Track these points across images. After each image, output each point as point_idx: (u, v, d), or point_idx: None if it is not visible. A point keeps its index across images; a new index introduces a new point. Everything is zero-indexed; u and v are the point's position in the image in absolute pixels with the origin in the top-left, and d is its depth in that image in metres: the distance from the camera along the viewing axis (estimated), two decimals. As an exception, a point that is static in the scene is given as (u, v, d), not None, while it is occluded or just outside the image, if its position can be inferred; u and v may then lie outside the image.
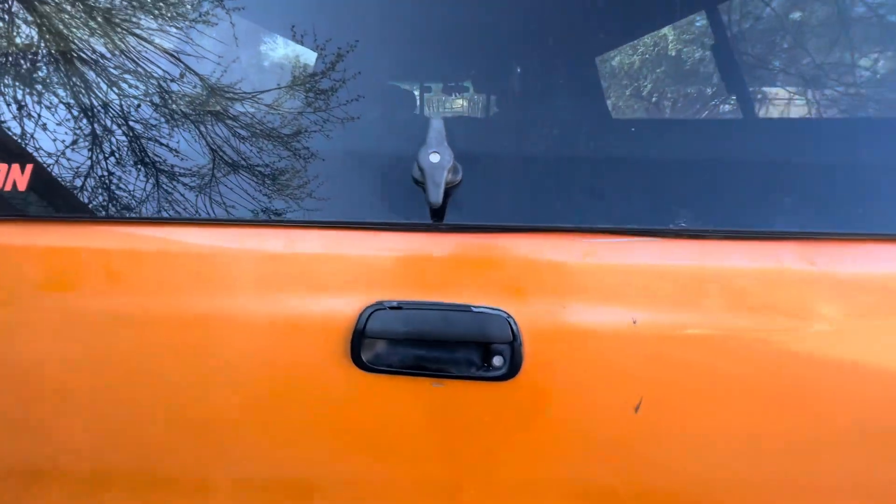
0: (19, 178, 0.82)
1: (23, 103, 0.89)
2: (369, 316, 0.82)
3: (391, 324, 0.82)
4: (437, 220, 0.84)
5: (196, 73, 0.92)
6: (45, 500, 0.98)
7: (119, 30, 0.94)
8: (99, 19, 0.94)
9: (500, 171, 0.85)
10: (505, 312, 0.83)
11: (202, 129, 0.89)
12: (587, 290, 0.84)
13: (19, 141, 0.85)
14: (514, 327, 0.83)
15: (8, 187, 0.83)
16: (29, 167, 0.83)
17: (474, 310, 0.83)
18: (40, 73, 0.92)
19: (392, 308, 0.83)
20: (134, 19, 0.94)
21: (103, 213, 0.85)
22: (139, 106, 0.91)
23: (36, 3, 0.95)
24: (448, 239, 0.85)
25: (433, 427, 0.88)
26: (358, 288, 0.85)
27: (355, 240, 0.86)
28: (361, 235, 0.86)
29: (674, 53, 1.15)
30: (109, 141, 0.88)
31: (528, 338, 0.84)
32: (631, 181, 0.85)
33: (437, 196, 0.74)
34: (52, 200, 0.84)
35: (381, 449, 0.90)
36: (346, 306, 0.84)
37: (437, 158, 0.74)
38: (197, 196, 0.85)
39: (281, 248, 0.85)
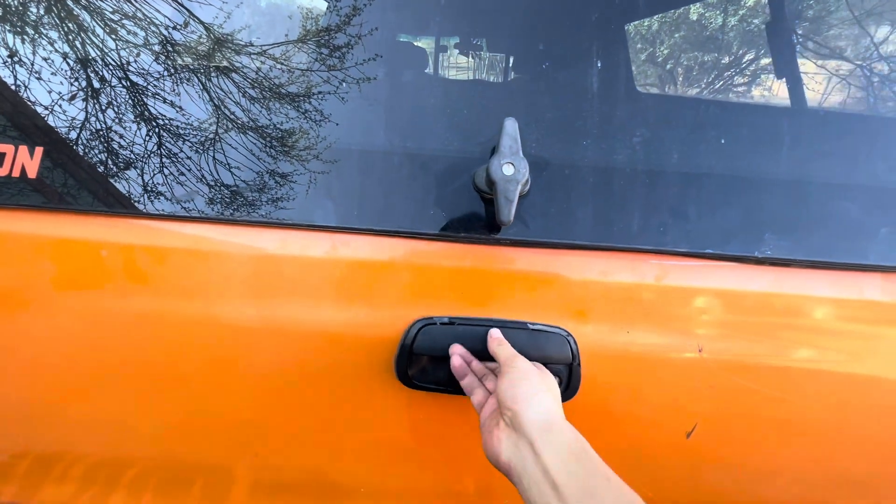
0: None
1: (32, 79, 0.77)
2: (419, 331, 0.76)
3: (441, 340, 0.76)
4: (498, 232, 0.76)
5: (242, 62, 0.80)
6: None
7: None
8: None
9: (571, 182, 0.76)
10: (565, 331, 0.77)
11: (246, 122, 0.78)
12: (654, 315, 0.78)
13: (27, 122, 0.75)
14: (573, 347, 0.77)
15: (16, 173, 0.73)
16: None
17: (531, 327, 0.77)
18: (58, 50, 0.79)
19: (444, 324, 0.77)
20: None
21: (124, 207, 0.76)
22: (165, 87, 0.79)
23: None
24: (508, 253, 0.78)
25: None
26: (407, 300, 0.78)
27: (406, 248, 0.78)
28: (413, 244, 0.78)
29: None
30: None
31: (586, 359, 0.79)
32: (715, 200, 0.77)
33: (508, 214, 0.65)
34: (68, 190, 0.74)
35: (422, 466, 0.87)
36: (394, 319, 0.78)
37: (510, 171, 0.65)
38: (234, 195, 0.76)
39: (323, 252, 0.78)
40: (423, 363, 0.79)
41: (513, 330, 0.76)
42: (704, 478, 0.85)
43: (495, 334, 0.74)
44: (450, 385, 0.78)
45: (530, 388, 0.64)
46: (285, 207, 0.77)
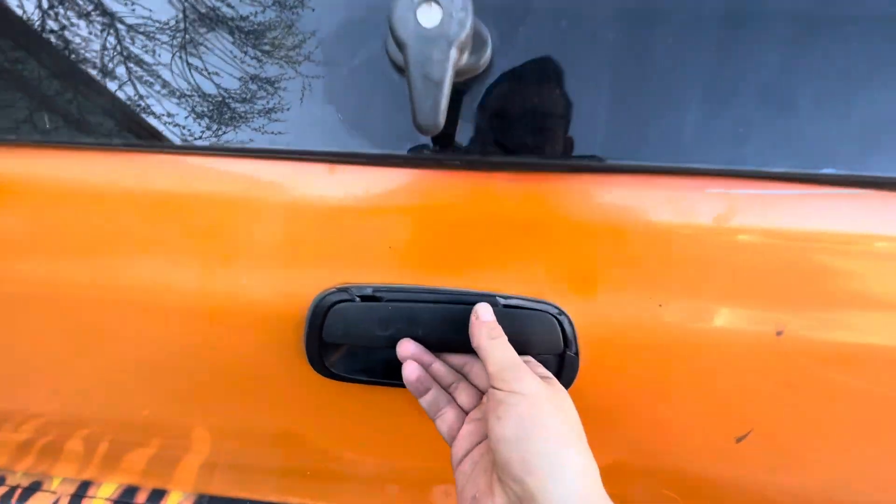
0: None
1: None
2: (328, 309, 0.49)
3: (363, 324, 0.49)
4: (443, 148, 0.44)
5: None
6: None
7: None
8: None
9: (569, 47, 0.42)
10: (555, 307, 0.49)
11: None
12: (708, 278, 0.48)
13: None
14: (567, 330, 0.49)
15: None
16: None
17: (503, 302, 0.49)
18: None
19: (365, 299, 0.49)
20: None
21: None
22: None
23: None
24: (462, 181, 0.47)
25: (431, 451, 0.61)
26: (307, 256, 0.50)
27: (298, 175, 0.48)
28: (308, 172, 0.48)
29: None
30: None
31: (588, 346, 0.51)
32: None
33: (429, 110, 0.33)
34: None
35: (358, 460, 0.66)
36: (294, 287, 0.51)
37: (431, 15, 0.31)
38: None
39: (172, 185, 0.49)
40: (344, 349, 0.54)
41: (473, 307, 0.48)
42: (764, 489, 0.60)
43: (484, 314, 0.45)
44: (389, 376, 0.53)
45: (551, 443, 0.37)
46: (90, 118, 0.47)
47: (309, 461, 0.72)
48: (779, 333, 0.48)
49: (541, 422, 0.37)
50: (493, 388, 0.40)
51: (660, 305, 0.49)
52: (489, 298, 0.48)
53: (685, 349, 0.51)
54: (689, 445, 0.58)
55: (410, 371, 0.46)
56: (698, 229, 0.46)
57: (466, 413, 0.47)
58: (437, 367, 0.49)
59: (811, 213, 0.45)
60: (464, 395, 0.48)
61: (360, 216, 0.48)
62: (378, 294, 0.49)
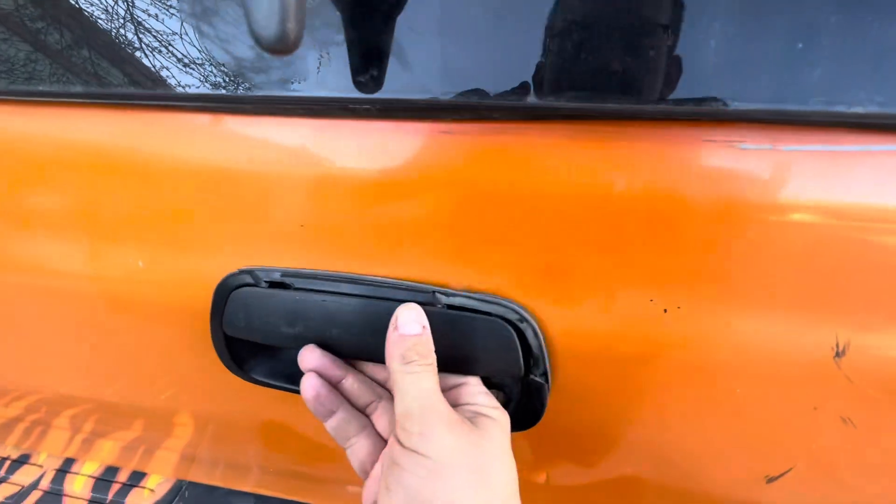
0: None
1: None
2: (230, 294, 0.39)
3: (270, 318, 0.39)
4: (367, 86, 0.31)
5: None
6: None
7: None
8: None
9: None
10: (515, 311, 0.36)
11: None
12: (734, 273, 0.33)
13: None
14: (532, 344, 0.37)
15: None
16: None
17: (445, 301, 0.37)
18: None
19: (272, 285, 0.39)
20: None
21: None
22: None
23: None
24: (405, 135, 0.34)
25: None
26: (211, 237, 0.40)
27: (184, 128, 0.37)
28: (194, 122, 0.37)
29: None
30: None
31: (566, 361, 0.38)
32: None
33: (271, 13, 0.21)
34: None
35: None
36: (191, 269, 0.41)
37: None
38: None
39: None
40: (256, 349, 0.44)
41: (404, 307, 0.36)
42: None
43: (405, 325, 0.33)
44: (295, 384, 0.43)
45: None
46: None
47: (265, 457, 0.65)
48: (838, 354, 0.33)
49: (443, 498, 0.26)
50: (395, 437, 0.29)
51: (665, 311, 0.35)
52: (426, 295, 0.36)
53: (702, 368, 0.37)
54: (705, 485, 0.45)
55: (308, 388, 0.36)
56: (732, 203, 0.31)
57: (385, 441, 0.37)
58: (351, 382, 0.38)
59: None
60: (384, 420, 0.37)
61: (257, 184, 0.37)
62: (287, 280, 0.38)
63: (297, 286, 0.38)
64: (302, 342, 0.38)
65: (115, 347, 0.51)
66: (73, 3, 0.33)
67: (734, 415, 0.39)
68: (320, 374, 0.37)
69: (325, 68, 0.29)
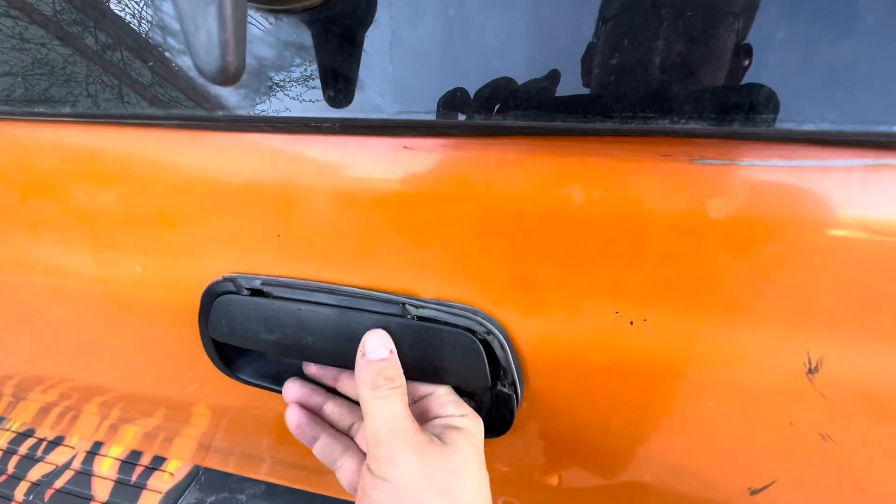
0: None
1: None
2: (214, 301, 0.42)
3: (246, 321, 0.41)
4: (333, 102, 0.33)
5: None
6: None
7: None
8: None
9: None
10: (481, 324, 0.37)
11: None
12: (704, 284, 0.33)
13: None
14: (498, 355, 0.37)
15: None
16: None
17: (414, 312, 0.38)
18: None
19: (253, 292, 0.41)
20: None
21: None
22: None
23: None
24: (373, 148, 0.35)
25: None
26: (199, 243, 0.43)
27: (168, 144, 0.39)
28: (174, 140, 0.39)
29: None
30: None
31: (535, 367, 0.39)
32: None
33: (211, 46, 0.22)
34: None
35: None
36: (187, 275, 0.44)
37: None
38: None
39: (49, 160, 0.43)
40: (243, 350, 0.47)
41: (371, 315, 0.38)
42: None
43: (372, 350, 0.35)
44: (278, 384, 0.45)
45: None
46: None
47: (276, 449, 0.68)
48: (811, 371, 0.33)
49: None
50: (366, 465, 0.31)
51: (631, 323, 0.35)
52: (396, 306, 0.37)
53: (673, 380, 0.37)
54: (687, 495, 0.45)
55: (290, 419, 0.39)
56: (693, 217, 0.31)
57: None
58: (331, 408, 0.40)
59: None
60: (363, 439, 0.39)
61: (238, 194, 0.38)
62: (266, 289, 0.40)
63: (275, 294, 0.40)
64: (280, 349, 0.40)
65: (128, 343, 0.54)
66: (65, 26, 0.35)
67: (710, 427, 0.39)
68: (303, 404, 0.39)
69: (284, 91, 0.30)
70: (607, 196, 0.31)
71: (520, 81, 0.27)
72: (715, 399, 0.37)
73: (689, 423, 0.38)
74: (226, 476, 0.86)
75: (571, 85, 0.26)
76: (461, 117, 0.28)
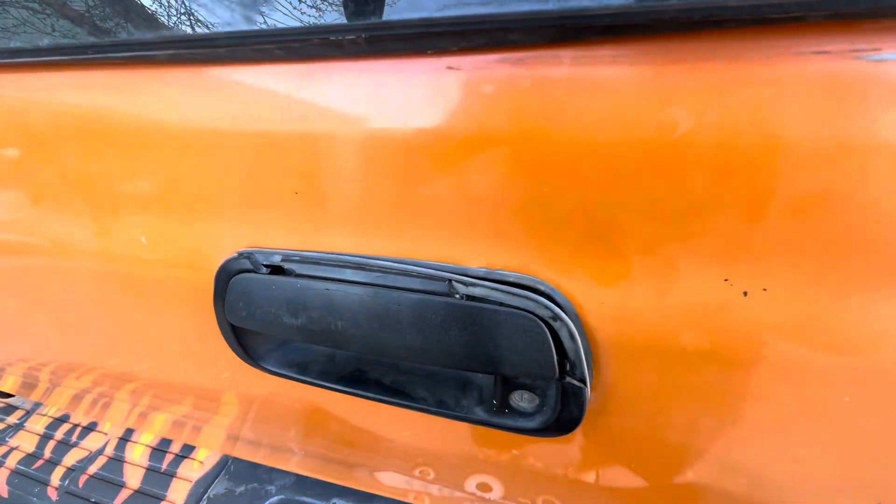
0: None
1: None
2: (230, 281, 0.36)
3: (267, 304, 0.35)
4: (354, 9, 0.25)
5: None
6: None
7: None
8: None
9: None
10: (546, 307, 0.29)
11: None
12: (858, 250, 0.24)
13: None
14: (566, 344, 0.30)
15: None
16: None
17: (464, 291, 0.30)
18: None
19: (272, 270, 0.35)
20: None
21: None
22: None
23: None
24: (370, 73, 0.28)
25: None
26: (207, 207, 0.37)
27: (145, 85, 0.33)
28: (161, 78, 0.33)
29: None
30: None
31: (609, 352, 0.31)
32: None
33: None
34: None
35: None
36: (200, 246, 0.38)
37: None
38: None
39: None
40: (265, 336, 0.41)
41: (414, 297, 0.31)
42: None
43: None
44: (307, 374, 0.39)
45: None
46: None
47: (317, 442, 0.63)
48: None
49: None
50: None
51: (745, 294, 0.27)
52: (442, 284, 0.30)
53: (797, 368, 0.28)
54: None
55: None
56: (856, 145, 0.22)
57: None
58: None
59: None
60: None
61: (244, 144, 0.32)
62: (287, 266, 0.34)
63: (298, 272, 0.33)
64: (306, 335, 0.34)
65: (147, 329, 0.50)
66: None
67: (841, 429, 0.30)
68: None
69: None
70: (725, 120, 0.23)
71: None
72: (852, 395, 0.28)
73: (814, 426, 0.30)
74: (255, 466, 0.83)
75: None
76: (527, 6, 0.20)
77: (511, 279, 0.30)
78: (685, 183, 0.25)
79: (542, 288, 0.30)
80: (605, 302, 0.29)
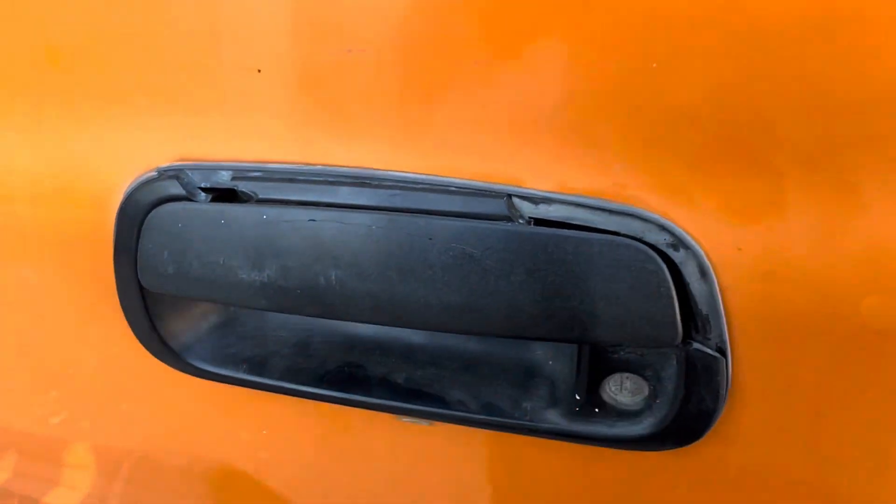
0: None
1: None
2: (146, 217, 0.22)
3: (214, 252, 0.22)
4: None
5: None
6: None
7: None
8: None
9: None
10: (664, 231, 0.19)
11: None
12: None
13: None
14: (696, 282, 0.19)
15: None
16: None
17: (528, 209, 0.20)
18: None
19: (216, 195, 0.22)
20: None
21: None
22: None
23: None
24: None
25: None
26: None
27: None
28: None
29: None
30: None
31: (747, 318, 0.20)
32: None
33: None
34: None
35: None
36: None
37: None
38: None
39: None
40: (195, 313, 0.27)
41: (456, 224, 0.19)
42: None
43: None
44: (298, 376, 0.25)
45: None
46: None
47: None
48: None
49: None
50: None
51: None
52: (495, 203, 0.19)
53: None
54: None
55: None
56: None
57: None
58: None
59: None
60: None
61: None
62: (243, 186, 0.21)
63: (262, 196, 0.21)
64: (279, 298, 0.21)
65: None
66: None
67: None
68: None
69: None
70: None
71: None
72: None
73: None
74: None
75: None
76: None
77: (597, 205, 0.20)
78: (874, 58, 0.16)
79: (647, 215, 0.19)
80: (745, 248, 0.20)
